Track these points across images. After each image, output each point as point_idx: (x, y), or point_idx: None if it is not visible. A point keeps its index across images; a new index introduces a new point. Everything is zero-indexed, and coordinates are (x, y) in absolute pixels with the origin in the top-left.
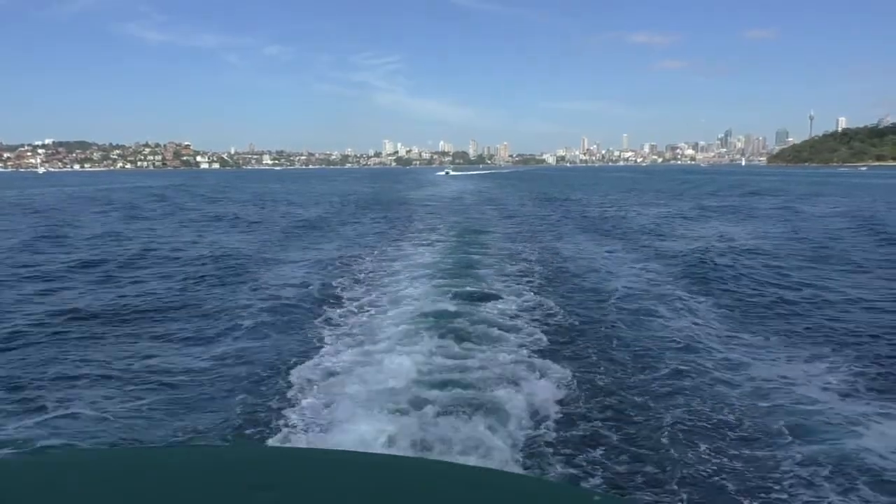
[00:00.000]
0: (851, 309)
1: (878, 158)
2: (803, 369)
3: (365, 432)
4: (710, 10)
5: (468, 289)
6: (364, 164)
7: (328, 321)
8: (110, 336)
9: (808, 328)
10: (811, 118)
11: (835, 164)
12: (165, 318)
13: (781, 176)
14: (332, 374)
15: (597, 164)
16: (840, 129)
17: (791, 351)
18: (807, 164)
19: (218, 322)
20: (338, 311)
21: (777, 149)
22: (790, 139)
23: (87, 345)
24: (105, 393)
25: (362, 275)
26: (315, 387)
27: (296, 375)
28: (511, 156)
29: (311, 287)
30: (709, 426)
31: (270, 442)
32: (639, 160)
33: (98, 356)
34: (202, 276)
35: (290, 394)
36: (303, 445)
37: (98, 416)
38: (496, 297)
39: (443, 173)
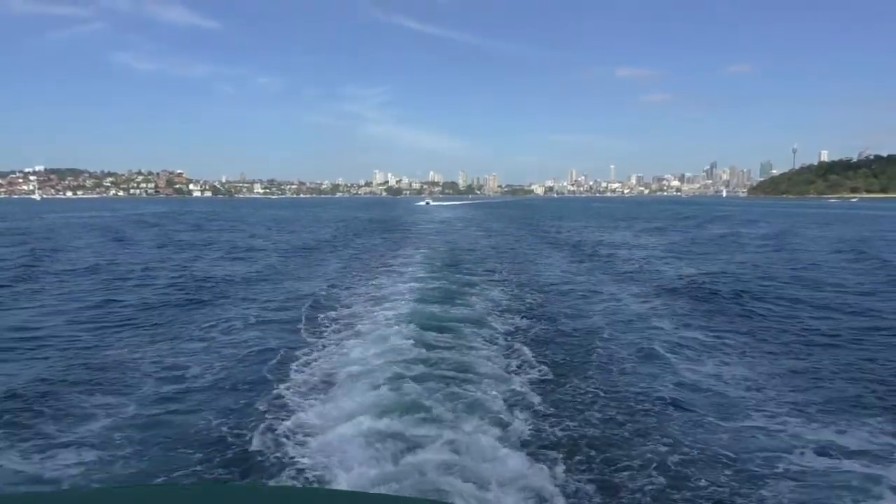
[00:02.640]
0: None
1: (853, 190)
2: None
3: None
4: (693, 46)
5: (440, 313)
6: (355, 194)
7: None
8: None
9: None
10: (794, 151)
11: (811, 195)
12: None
13: (745, 206)
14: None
15: (584, 195)
16: (821, 161)
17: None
18: (784, 195)
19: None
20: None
21: (759, 181)
22: (774, 171)
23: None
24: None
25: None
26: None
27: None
28: (500, 186)
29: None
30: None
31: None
32: (626, 191)
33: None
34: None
35: (273, 423)
36: (287, 482)
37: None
38: (466, 323)
39: (423, 203)
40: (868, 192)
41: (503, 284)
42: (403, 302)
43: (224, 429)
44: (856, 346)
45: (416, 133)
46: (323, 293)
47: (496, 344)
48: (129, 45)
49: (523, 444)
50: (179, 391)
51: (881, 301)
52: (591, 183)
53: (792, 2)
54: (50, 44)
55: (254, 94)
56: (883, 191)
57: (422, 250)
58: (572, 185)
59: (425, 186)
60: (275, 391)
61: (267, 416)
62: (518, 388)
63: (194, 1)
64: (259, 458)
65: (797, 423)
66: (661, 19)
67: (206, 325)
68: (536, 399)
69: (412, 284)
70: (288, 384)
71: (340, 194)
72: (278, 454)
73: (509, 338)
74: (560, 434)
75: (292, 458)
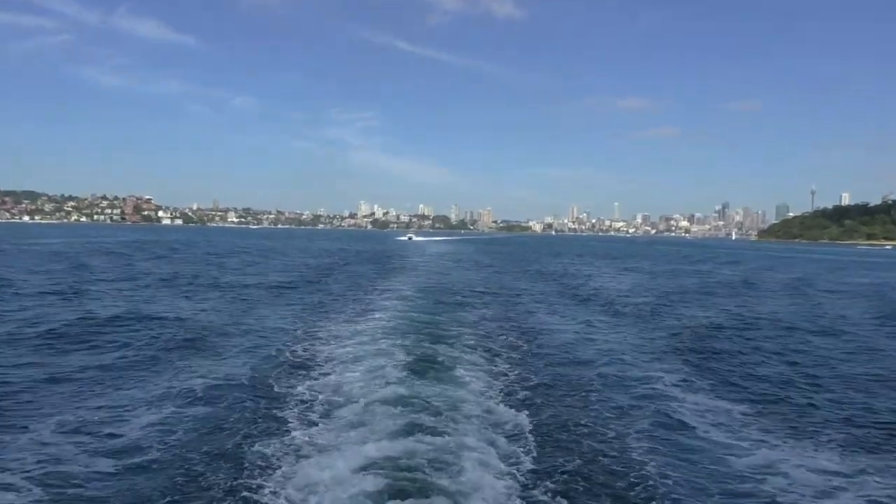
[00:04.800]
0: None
1: (869, 237)
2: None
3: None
4: (699, 78)
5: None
6: (338, 226)
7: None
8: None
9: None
10: (813, 193)
11: (824, 241)
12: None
13: (737, 251)
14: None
15: (586, 234)
16: (837, 205)
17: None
18: (796, 240)
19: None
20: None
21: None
22: (790, 214)
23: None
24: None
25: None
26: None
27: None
28: (495, 222)
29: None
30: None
31: None
32: (631, 230)
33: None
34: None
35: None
36: None
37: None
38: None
39: (405, 238)
40: (886, 239)
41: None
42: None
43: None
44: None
45: (404, 162)
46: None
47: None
48: (96, 60)
49: None
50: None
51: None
52: (593, 221)
53: (805, 36)
54: (7, 55)
55: (230, 116)
56: None
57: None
58: (573, 222)
59: (414, 220)
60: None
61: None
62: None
63: (168, 15)
64: None
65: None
66: (663, 48)
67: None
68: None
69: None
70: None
71: (322, 226)
72: None
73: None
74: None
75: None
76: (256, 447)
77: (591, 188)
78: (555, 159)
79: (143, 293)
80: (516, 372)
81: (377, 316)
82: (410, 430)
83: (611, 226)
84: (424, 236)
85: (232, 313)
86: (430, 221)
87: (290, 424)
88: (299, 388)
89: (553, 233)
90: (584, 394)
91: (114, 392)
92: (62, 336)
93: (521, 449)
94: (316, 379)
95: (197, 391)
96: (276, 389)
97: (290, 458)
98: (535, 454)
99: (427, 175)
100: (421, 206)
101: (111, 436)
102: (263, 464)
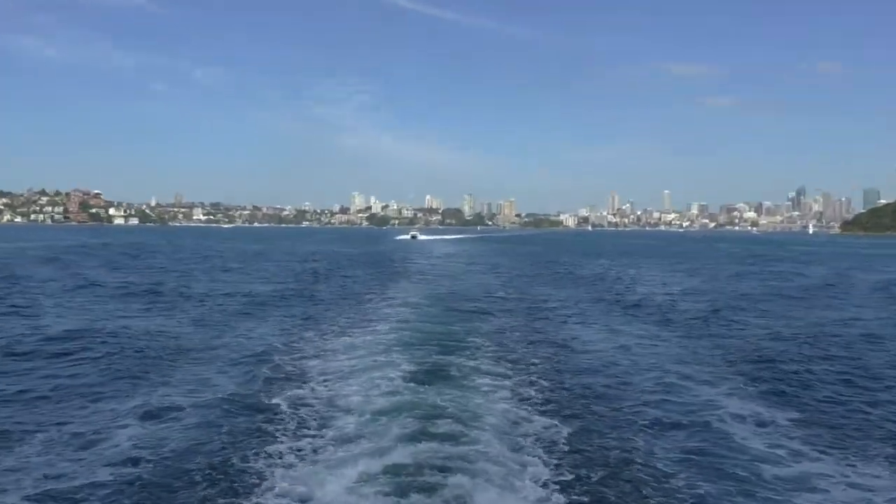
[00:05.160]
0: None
1: None
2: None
3: None
4: (765, 38)
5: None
6: (327, 223)
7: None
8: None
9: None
10: None
11: None
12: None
13: (833, 246)
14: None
15: (630, 228)
16: None
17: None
18: (888, 233)
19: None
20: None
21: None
22: (881, 201)
23: None
24: None
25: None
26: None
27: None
28: (518, 216)
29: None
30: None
31: None
32: (685, 224)
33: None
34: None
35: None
36: None
37: None
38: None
39: (408, 236)
40: None
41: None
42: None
43: None
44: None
45: (407, 144)
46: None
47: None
48: (36, 27)
49: None
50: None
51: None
52: (638, 213)
53: None
54: None
55: (193, 93)
56: None
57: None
58: (614, 215)
59: (420, 215)
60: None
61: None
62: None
63: None
64: None
65: None
66: (723, 2)
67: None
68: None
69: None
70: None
71: (308, 223)
72: None
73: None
74: None
75: None
76: (247, 463)
77: (635, 173)
78: (591, 138)
79: (99, 308)
80: (542, 389)
81: (379, 328)
82: (420, 440)
83: (660, 219)
84: (431, 234)
85: (212, 328)
86: (440, 216)
87: (283, 440)
88: (290, 404)
89: (589, 228)
90: (622, 413)
91: (91, 413)
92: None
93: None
94: (311, 392)
95: (186, 409)
96: (266, 404)
97: (287, 472)
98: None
99: (435, 160)
100: (428, 197)
101: (94, 456)
102: (257, 480)
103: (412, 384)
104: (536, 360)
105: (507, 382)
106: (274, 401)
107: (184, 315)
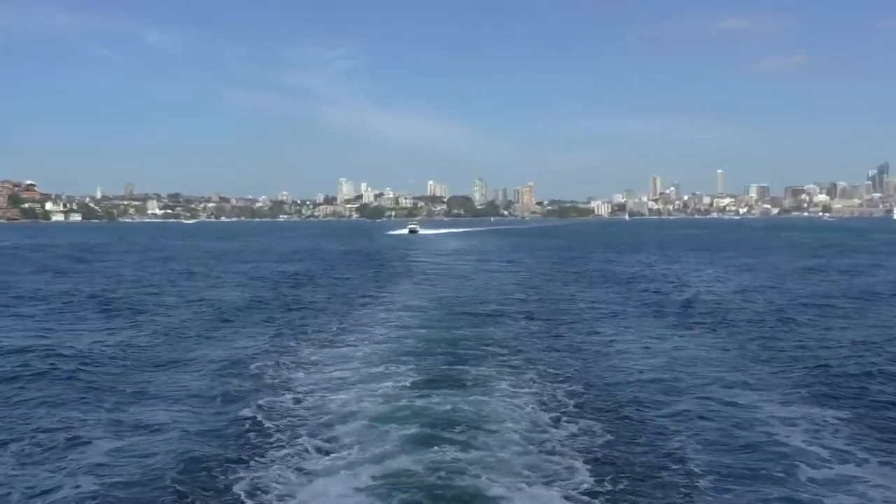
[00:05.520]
0: None
1: None
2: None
3: None
4: None
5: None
6: (309, 216)
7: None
8: None
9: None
10: None
11: None
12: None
13: None
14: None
15: (675, 217)
16: None
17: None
18: None
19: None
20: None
21: None
22: None
23: None
24: None
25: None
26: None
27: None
28: (540, 203)
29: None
30: None
31: None
32: (741, 210)
33: None
34: None
35: None
36: None
37: None
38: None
39: (405, 231)
40: None
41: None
42: None
43: None
44: None
45: (402, 118)
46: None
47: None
48: None
49: None
50: None
51: None
52: (685, 198)
53: None
54: None
55: (145, 61)
56: None
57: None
58: (655, 200)
59: (421, 204)
60: None
61: None
62: None
63: None
64: None
65: None
66: None
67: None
68: None
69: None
70: None
71: (286, 216)
72: None
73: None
74: None
75: None
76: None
77: (680, 151)
78: (628, 109)
79: (37, 323)
80: (571, 395)
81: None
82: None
83: (712, 204)
84: (435, 228)
85: (178, 343)
86: (445, 206)
87: (272, 458)
88: (272, 416)
89: (626, 217)
90: (662, 426)
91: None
92: None
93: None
94: (297, 403)
95: (156, 433)
96: (249, 420)
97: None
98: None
99: (437, 138)
100: (430, 183)
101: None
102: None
103: (418, 391)
104: (562, 369)
105: (526, 390)
106: (258, 416)
107: (142, 328)
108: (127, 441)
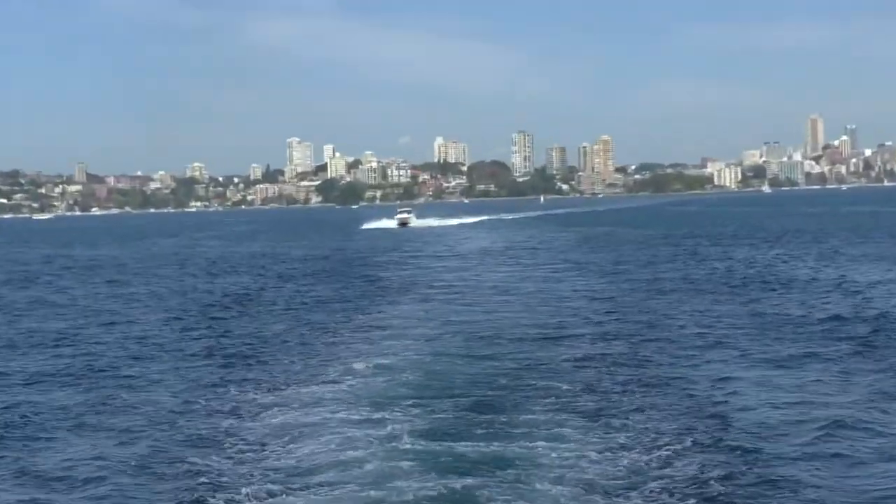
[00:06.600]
0: None
1: None
2: None
3: None
4: None
5: None
6: (239, 202)
7: None
8: None
9: None
10: None
11: None
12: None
13: None
14: None
15: (851, 184)
16: None
17: None
18: None
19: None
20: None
21: None
22: None
23: None
24: None
25: None
26: None
27: None
28: (622, 170)
29: None
30: None
31: None
32: None
33: None
34: None
35: None
36: None
37: None
38: None
39: (393, 221)
40: None
41: None
42: None
43: None
44: None
45: (393, 37)
46: None
47: None
48: None
49: None
50: None
51: None
52: (867, 153)
53: None
54: None
55: None
56: None
57: None
58: (815, 157)
59: (425, 177)
60: None
61: None
62: None
63: None
64: None
65: None
66: None
67: None
68: None
69: None
70: None
71: (199, 204)
72: None
73: None
74: None
75: None
76: None
77: (858, 74)
78: (759, 10)
79: None
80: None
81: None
82: None
83: None
84: (442, 215)
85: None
86: (463, 178)
87: None
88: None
89: (766, 188)
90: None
91: None
92: None
93: None
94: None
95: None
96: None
97: None
98: None
99: (450, 67)
100: (439, 142)
101: None
102: None
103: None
104: (645, 412)
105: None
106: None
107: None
108: None
